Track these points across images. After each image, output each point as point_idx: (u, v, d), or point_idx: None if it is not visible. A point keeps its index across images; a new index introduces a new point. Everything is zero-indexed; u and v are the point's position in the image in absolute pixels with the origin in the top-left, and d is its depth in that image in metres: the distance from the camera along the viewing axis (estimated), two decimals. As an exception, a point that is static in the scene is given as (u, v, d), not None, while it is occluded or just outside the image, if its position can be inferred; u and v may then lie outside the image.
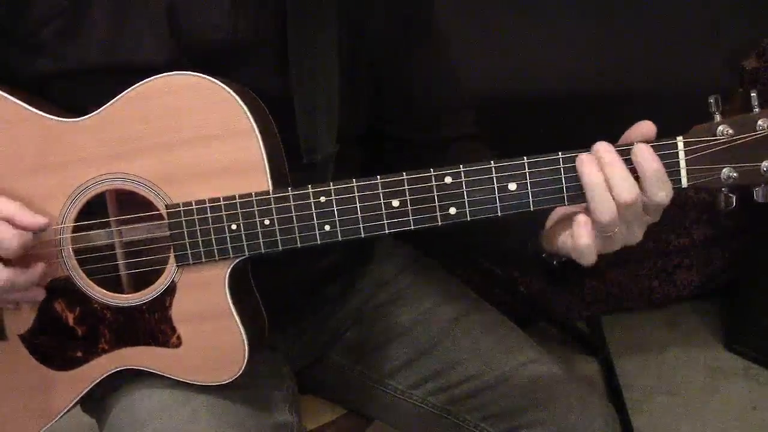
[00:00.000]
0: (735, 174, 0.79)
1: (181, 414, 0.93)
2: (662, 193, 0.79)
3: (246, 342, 0.90)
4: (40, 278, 0.90)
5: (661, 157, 0.79)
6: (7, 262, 0.87)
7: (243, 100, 0.85)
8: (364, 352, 1.14)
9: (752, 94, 0.78)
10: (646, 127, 0.81)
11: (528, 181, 0.82)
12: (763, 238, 1.92)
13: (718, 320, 2.09)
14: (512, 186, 0.82)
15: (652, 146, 0.79)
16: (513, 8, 1.62)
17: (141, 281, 0.92)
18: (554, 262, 0.92)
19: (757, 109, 0.78)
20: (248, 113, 0.84)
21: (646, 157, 0.78)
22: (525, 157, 0.82)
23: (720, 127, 0.79)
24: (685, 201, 1.94)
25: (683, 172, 0.80)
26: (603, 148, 0.80)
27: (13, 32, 0.89)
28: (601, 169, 0.79)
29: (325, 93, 0.93)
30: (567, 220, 0.85)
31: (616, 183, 0.79)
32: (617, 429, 1.03)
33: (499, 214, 0.83)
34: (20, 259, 0.88)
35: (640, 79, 1.59)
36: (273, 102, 0.89)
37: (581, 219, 0.81)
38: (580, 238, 0.81)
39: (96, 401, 1.02)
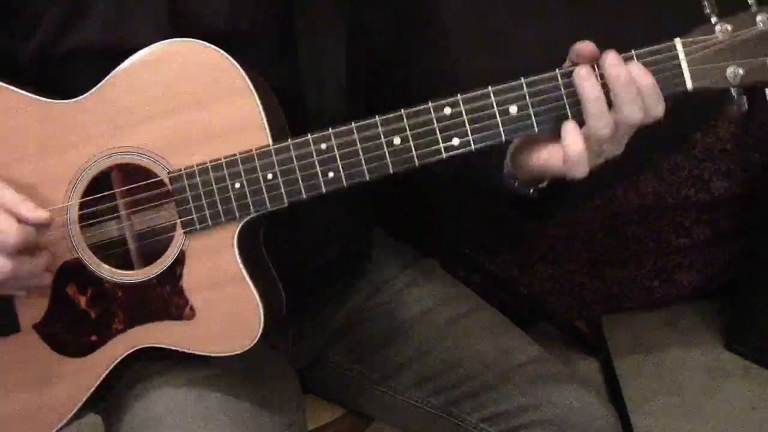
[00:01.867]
0: (741, 71, 0.78)
1: (196, 412, 0.93)
2: (660, 107, 0.79)
3: (261, 304, 0.88)
4: (46, 267, 0.90)
5: (661, 60, 0.79)
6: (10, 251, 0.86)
7: (236, 61, 0.85)
8: (363, 352, 1.14)
9: None
10: (587, 48, 0.80)
11: (528, 101, 0.81)
12: (763, 238, 1.92)
13: (718, 320, 2.08)
14: (513, 109, 0.81)
15: (650, 50, 0.79)
16: (512, 6, 1.62)
17: (151, 257, 0.91)
18: (531, 191, 0.89)
19: (754, 7, 0.78)
20: (243, 72, 0.85)
21: (641, 73, 0.78)
22: (522, 78, 0.81)
23: (718, 26, 0.78)
24: (685, 201, 1.94)
25: (686, 74, 0.79)
26: (613, 61, 0.78)
27: (17, 14, 0.89)
28: (603, 83, 0.78)
29: (332, 78, 0.94)
30: (540, 139, 0.83)
31: (626, 103, 0.77)
32: (617, 429, 1.03)
33: (503, 139, 0.82)
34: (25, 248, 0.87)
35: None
36: (280, 94, 0.89)
37: (569, 126, 0.80)
38: (571, 146, 0.79)
39: (109, 402, 1.01)
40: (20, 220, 0.85)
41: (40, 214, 0.86)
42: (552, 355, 1.09)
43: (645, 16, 1.61)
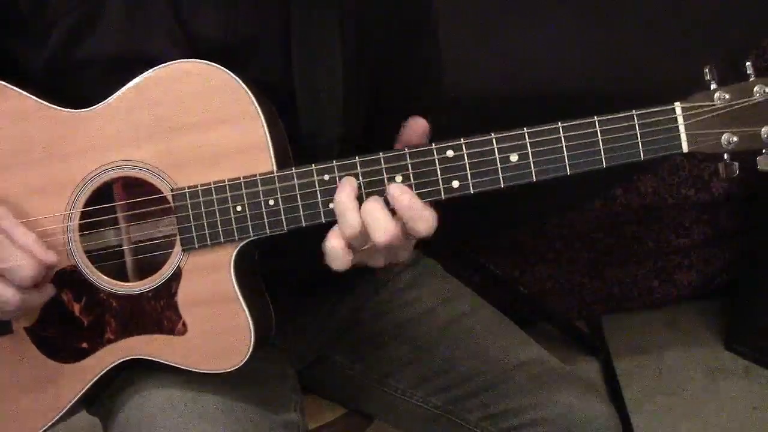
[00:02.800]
0: (735, 138, 0.80)
1: (192, 411, 0.93)
2: (422, 226, 0.81)
3: (252, 327, 0.89)
4: (50, 297, 0.90)
5: (660, 123, 0.81)
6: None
7: (246, 85, 0.86)
8: (364, 351, 1.14)
9: (747, 63, 0.80)
10: (417, 125, 0.84)
11: (529, 151, 0.82)
12: (763, 238, 1.93)
13: (718, 320, 2.09)
14: (514, 157, 0.83)
15: (650, 111, 0.81)
16: (511, 7, 1.62)
17: (147, 271, 0.92)
18: None
19: (753, 77, 0.80)
20: (252, 96, 0.86)
21: (397, 196, 0.81)
22: (525, 128, 0.82)
23: (717, 94, 0.80)
24: (685, 201, 1.94)
25: (683, 137, 0.81)
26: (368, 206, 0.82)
27: (31, 23, 0.90)
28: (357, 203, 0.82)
29: (327, 77, 0.94)
30: None
31: (372, 227, 0.81)
32: (618, 428, 1.03)
33: (502, 185, 0.83)
34: None
35: (639, 79, 1.59)
36: (276, 90, 0.90)
37: (332, 231, 0.83)
38: (326, 240, 0.83)
39: (102, 401, 1.01)
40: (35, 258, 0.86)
41: (48, 256, 0.86)
42: (552, 355, 1.09)
43: (643, 15, 1.61)
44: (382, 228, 0.81)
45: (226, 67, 0.87)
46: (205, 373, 0.92)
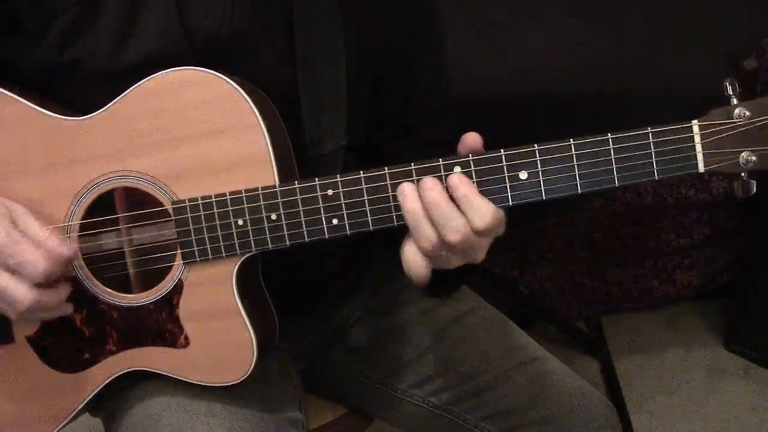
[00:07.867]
0: (754, 158, 0.77)
1: (197, 408, 0.93)
2: (478, 219, 0.78)
3: (254, 341, 0.89)
4: (67, 296, 0.89)
5: (676, 141, 0.77)
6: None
7: (248, 95, 0.84)
8: (365, 351, 1.14)
9: None
10: (470, 139, 0.81)
11: (539, 169, 0.80)
12: (763, 238, 1.92)
13: (718, 320, 2.09)
14: (523, 175, 0.80)
15: (666, 129, 0.77)
16: (513, 8, 1.62)
17: (149, 281, 0.91)
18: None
19: None
20: (254, 107, 0.84)
21: (456, 185, 0.79)
22: (536, 145, 0.80)
23: (737, 110, 0.76)
24: (685, 201, 1.94)
25: (700, 156, 0.78)
26: (428, 184, 0.79)
27: (27, 21, 0.89)
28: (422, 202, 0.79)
29: (331, 84, 0.93)
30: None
31: (441, 223, 0.78)
32: (618, 428, 1.03)
33: (511, 203, 0.81)
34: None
35: (639, 79, 1.59)
36: (280, 96, 0.89)
37: (405, 243, 0.82)
38: (403, 255, 0.82)
39: (105, 401, 1.01)
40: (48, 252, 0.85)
41: (66, 249, 0.85)
42: (553, 355, 1.09)
43: (644, 15, 1.62)
44: (453, 226, 0.78)
45: (225, 64, 0.86)
46: None
